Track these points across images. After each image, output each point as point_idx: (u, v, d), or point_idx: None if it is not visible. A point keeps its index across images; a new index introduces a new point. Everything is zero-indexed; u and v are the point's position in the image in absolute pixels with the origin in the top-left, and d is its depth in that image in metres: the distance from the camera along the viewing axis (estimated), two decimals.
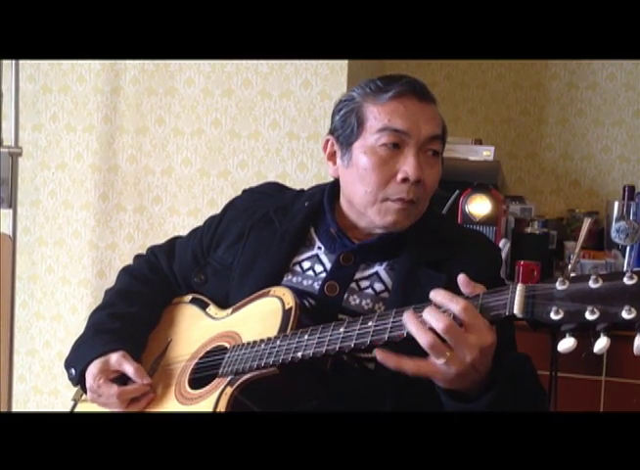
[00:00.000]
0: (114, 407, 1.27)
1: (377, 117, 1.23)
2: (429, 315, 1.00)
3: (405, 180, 1.21)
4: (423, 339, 0.99)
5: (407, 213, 1.24)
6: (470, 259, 1.24)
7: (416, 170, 1.21)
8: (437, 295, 1.02)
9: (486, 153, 2.38)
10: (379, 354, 1.04)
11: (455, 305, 0.99)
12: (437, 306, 1.01)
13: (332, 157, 1.32)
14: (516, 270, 2.09)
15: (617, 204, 2.38)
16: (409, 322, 1.02)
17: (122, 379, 1.28)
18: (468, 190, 2.16)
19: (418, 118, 1.23)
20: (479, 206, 2.15)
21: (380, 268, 1.27)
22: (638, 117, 2.67)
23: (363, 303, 1.25)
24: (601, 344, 0.90)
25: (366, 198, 1.24)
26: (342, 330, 1.09)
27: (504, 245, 2.13)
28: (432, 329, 0.99)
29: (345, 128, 1.27)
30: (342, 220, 1.31)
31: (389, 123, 1.22)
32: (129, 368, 1.26)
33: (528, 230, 2.28)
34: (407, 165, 1.21)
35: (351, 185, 1.27)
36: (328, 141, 1.32)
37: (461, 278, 1.04)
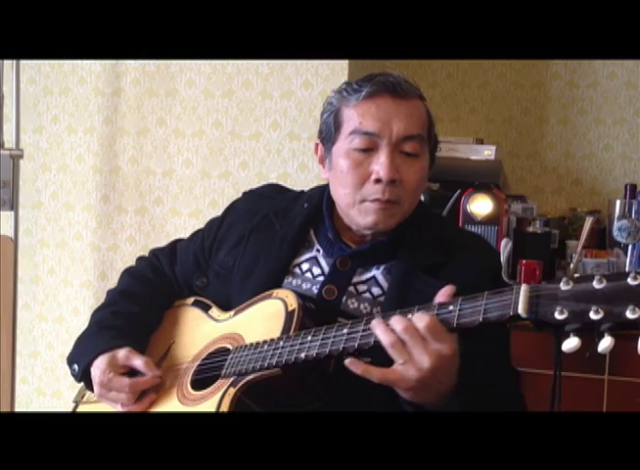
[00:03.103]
0: (124, 401, 1.26)
1: (350, 119, 1.24)
2: (392, 320, 1.05)
3: (378, 181, 1.22)
4: (385, 338, 1.04)
5: (388, 213, 1.24)
6: (467, 265, 1.24)
7: (388, 171, 1.21)
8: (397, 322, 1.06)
9: (488, 152, 2.37)
10: (347, 362, 1.06)
11: (419, 322, 1.03)
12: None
13: (322, 160, 1.33)
14: (518, 270, 2.09)
15: (618, 202, 2.38)
16: (376, 327, 1.06)
17: (130, 375, 1.27)
18: (469, 190, 2.16)
19: (391, 117, 1.22)
20: (480, 205, 2.15)
21: (377, 272, 1.27)
22: (639, 115, 2.66)
23: (361, 306, 1.25)
24: (605, 343, 0.90)
25: (346, 200, 1.25)
26: (345, 331, 1.09)
27: (506, 244, 2.13)
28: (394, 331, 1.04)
29: (326, 132, 1.29)
30: (338, 223, 1.32)
31: (360, 126, 1.23)
32: (138, 362, 1.27)
33: (530, 229, 2.28)
34: (379, 166, 1.21)
35: (334, 188, 1.29)
36: (317, 145, 1.34)
37: (447, 289, 1.07)
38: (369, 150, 1.23)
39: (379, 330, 1.05)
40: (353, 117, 1.24)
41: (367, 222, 1.25)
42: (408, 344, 1.03)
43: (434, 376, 1.02)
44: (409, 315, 1.05)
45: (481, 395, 1.09)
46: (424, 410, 1.07)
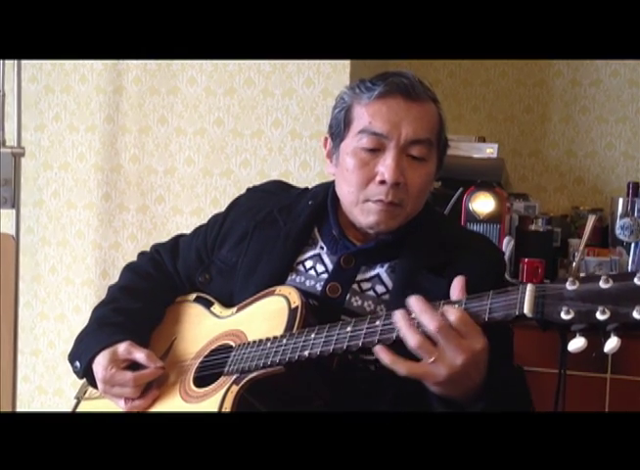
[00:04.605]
0: (129, 395, 1.26)
1: (361, 117, 1.24)
2: (421, 315, 1.02)
3: (383, 182, 1.21)
4: (411, 339, 1.02)
5: (390, 215, 1.24)
6: (471, 265, 1.23)
7: (393, 173, 1.20)
8: (419, 304, 1.04)
9: (490, 150, 2.37)
10: (378, 348, 1.04)
11: (451, 316, 1.01)
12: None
13: (329, 155, 1.33)
14: (520, 268, 2.09)
15: (621, 201, 2.38)
16: (400, 321, 1.04)
17: (132, 369, 1.27)
18: (471, 188, 2.16)
19: (401, 120, 1.21)
20: (482, 203, 2.15)
21: (381, 270, 1.27)
22: None
23: (365, 304, 1.25)
24: (611, 344, 0.90)
25: (349, 198, 1.25)
26: (349, 329, 1.09)
27: (508, 243, 2.13)
28: (420, 329, 1.02)
29: (336, 128, 1.28)
30: (343, 220, 1.32)
31: (369, 126, 1.22)
32: (140, 355, 1.26)
33: (532, 228, 2.28)
34: (385, 168, 1.21)
35: (339, 184, 1.29)
36: (326, 139, 1.34)
37: (458, 280, 1.06)
38: (376, 150, 1.22)
39: (404, 328, 1.03)
40: (364, 115, 1.23)
41: (368, 222, 1.25)
42: (440, 342, 1.01)
43: (465, 371, 1.01)
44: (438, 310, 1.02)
45: (502, 394, 1.07)
46: (437, 410, 1.06)
